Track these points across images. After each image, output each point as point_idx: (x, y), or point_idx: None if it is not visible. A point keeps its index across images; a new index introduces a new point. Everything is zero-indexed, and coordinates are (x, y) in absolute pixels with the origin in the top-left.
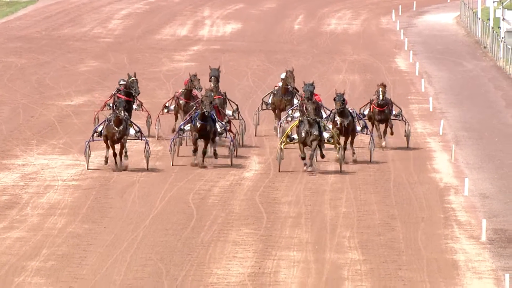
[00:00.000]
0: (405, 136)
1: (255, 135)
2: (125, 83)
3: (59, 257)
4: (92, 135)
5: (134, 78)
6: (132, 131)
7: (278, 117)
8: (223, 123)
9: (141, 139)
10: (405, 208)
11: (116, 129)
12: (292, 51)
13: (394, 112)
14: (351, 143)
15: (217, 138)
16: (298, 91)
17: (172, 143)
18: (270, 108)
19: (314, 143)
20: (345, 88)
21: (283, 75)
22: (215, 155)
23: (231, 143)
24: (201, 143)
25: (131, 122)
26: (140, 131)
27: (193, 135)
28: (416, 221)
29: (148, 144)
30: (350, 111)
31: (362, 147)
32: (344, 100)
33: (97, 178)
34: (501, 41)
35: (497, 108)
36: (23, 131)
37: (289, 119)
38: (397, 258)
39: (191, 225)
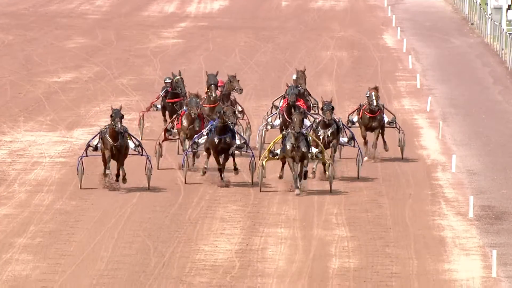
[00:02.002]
0: (399, 146)
1: (264, 142)
2: (171, 81)
3: (46, 234)
4: (86, 150)
5: (180, 77)
6: (131, 145)
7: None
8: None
9: (142, 154)
10: (392, 185)
11: (112, 142)
12: (280, 28)
13: (387, 119)
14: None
15: (236, 152)
16: (311, 95)
17: (185, 158)
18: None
19: (305, 162)
20: (333, 65)
21: (295, 76)
22: (236, 170)
23: (252, 158)
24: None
25: (130, 134)
26: (140, 145)
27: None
28: (404, 197)
29: (149, 160)
30: (336, 120)
31: (348, 158)
32: (333, 109)
33: None
34: (489, 17)
35: (485, 85)
36: (10, 107)
37: (269, 127)
38: (384, 234)
39: (179, 202)
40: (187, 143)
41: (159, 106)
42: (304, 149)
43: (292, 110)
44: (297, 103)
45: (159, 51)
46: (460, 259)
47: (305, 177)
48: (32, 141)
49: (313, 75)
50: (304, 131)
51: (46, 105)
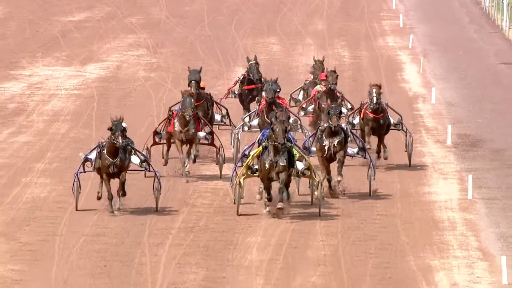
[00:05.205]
0: (406, 151)
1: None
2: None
3: (62, 160)
4: (83, 164)
5: (253, 61)
6: (136, 160)
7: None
8: (205, 133)
9: (149, 171)
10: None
11: (111, 160)
12: None
13: (392, 121)
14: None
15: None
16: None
17: (234, 174)
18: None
19: (283, 175)
20: (323, 5)
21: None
22: (288, 196)
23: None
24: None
25: (134, 148)
26: (146, 160)
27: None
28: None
29: (158, 178)
30: (343, 127)
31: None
32: (341, 113)
33: (97, 87)
34: None
35: (462, 24)
36: (29, 44)
37: (246, 128)
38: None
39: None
40: (183, 149)
41: (237, 93)
42: (283, 163)
43: (275, 110)
44: (280, 101)
45: None
46: (439, 182)
47: (288, 197)
48: (49, 75)
49: (305, 15)
50: (289, 144)
51: (62, 42)
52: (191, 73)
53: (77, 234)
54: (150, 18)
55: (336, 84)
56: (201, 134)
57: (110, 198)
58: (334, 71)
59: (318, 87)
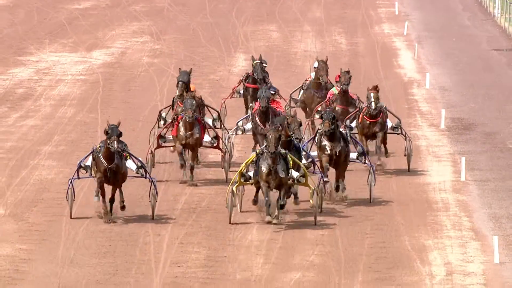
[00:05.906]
0: (405, 155)
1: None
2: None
3: (69, 143)
4: (77, 171)
5: (258, 61)
6: (132, 165)
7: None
8: (210, 138)
9: (145, 177)
10: None
11: (106, 164)
12: None
13: (390, 124)
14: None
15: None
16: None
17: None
18: (300, 106)
19: (283, 189)
20: None
21: (316, 64)
22: (282, 206)
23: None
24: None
25: (130, 154)
26: (143, 166)
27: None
28: None
29: (154, 184)
30: (342, 132)
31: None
32: (334, 118)
33: (102, 73)
34: None
35: (455, 12)
36: (36, 31)
37: (239, 132)
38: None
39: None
40: (186, 155)
41: (242, 92)
42: (282, 175)
43: (270, 119)
44: (274, 105)
45: None
46: (433, 165)
47: (282, 207)
48: (56, 61)
49: (303, 3)
50: (285, 152)
51: (68, 29)
52: (181, 74)
53: (83, 215)
54: (153, 6)
55: (348, 84)
56: (207, 138)
57: (105, 202)
58: (348, 72)
59: (334, 90)
